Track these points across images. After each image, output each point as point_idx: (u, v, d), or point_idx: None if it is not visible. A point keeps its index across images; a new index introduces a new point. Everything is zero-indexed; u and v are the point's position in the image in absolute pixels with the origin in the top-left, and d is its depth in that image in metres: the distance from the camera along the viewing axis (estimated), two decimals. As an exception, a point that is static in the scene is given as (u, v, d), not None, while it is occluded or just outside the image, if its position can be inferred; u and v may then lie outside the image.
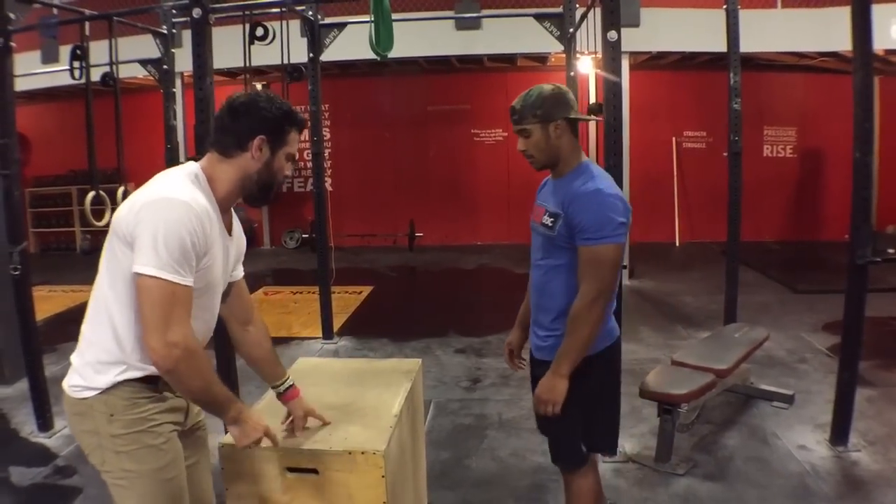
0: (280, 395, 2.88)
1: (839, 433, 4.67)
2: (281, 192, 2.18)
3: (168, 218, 2.16)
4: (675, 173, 13.19)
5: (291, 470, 2.84)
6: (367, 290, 10.01)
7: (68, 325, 8.57)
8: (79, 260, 14.09)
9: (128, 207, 2.26)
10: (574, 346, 2.91)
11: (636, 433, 4.95)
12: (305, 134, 12.29)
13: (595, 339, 2.96)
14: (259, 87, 12.70)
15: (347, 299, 9.31)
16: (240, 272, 2.77)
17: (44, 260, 13.71)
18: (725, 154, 6.61)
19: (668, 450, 4.48)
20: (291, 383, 2.88)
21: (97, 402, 2.38)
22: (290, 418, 2.89)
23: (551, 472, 4.45)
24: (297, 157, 2.55)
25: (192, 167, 2.41)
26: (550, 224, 3.04)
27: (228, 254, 2.54)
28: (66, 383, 2.48)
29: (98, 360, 2.40)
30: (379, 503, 2.80)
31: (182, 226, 2.17)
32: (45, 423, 5.40)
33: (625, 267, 4.41)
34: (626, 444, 4.75)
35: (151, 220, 2.16)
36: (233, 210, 2.59)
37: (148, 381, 2.38)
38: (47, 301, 9.63)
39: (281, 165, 2.45)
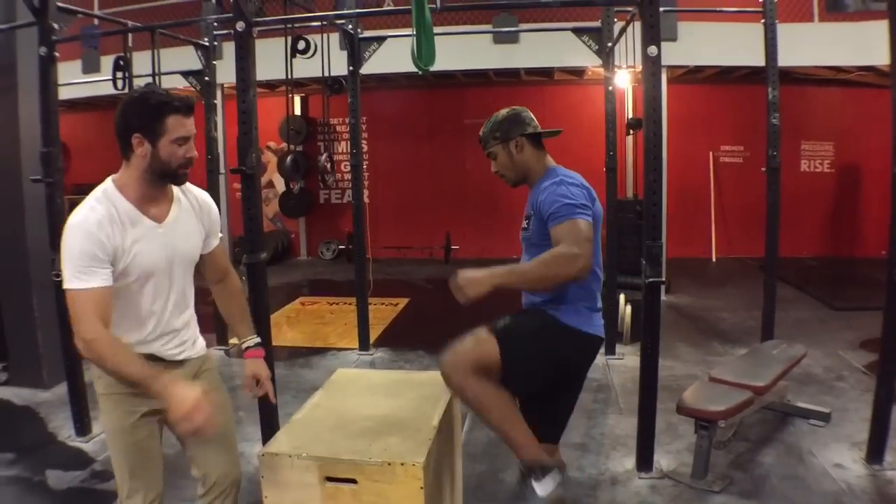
0: (242, 352, 3.15)
1: (875, 451, 4.61)
2: (186, 172, 2.48)
3: (64, 242, 2.56)
4: (711, 188, 13.10)
5: (330, 479, 2.86)
6: (403, 301, 10.02)
7: (107, 332, 8.70)
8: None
9: None
10: (523, 272, 3.01)
11: (672, 449, 4.92)
12: (344, 146, 12.41)
13: (543, 285, 3.05)
14: (298, 98, 12.80)
15: (384, 311, 9.33)
16: (211, 244, 3.04)
17: (83, 266, 13.77)
18: (763, 169, 6.56)
19: (704, 467, 4.45)
20: (253, 344, 3.12)
21: (93, 370, 2.81)
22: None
23: (586, 487, 4.46)
24: (189, 138, 2.68)
25: (105, 183, 2.75)
26: (525, 226, 3.24)
27: (167, 237, 2.77)
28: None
29: None
30: (417, 514, 2.82)
31: (78, 243, 2.53)
32: (82, 428, 5.45)
33: (664, 281, 4.40)
34: (663, 461, 4.73)
35: (61, 250, 2.57)
36: (185, 195, 2.90)
37: None
38: (86, 307, 9.70)
39: (170, 152, 2.63)
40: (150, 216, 2.73)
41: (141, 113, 2.60)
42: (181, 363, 2.95)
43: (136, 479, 2.91)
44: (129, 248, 2.64)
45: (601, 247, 3.37)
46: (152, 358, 2.79)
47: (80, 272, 2.52)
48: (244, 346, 3.13)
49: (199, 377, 3.02)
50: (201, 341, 3.10)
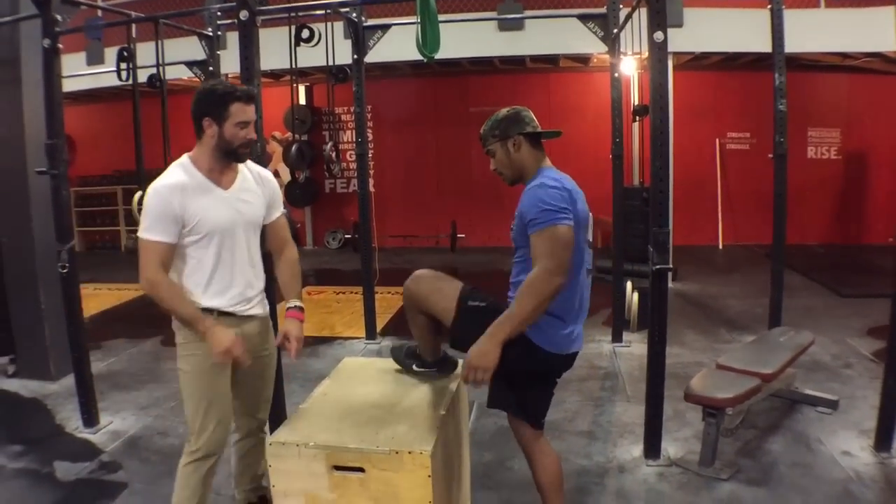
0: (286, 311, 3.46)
1: (883, 439, 4.59)
2: (246, 151, 3.15)
3: (145, 200, 3.16)
4: (718, 175, 13.06)
5: (338, 468, 2.87)
6: (409, 290, 9.95)
7: (114, 323, 8.75)
8: (123, 259, 14.29)
9: None
10: (516, 314, 2.98)
11: (680, 437, 4.91)
12: (350, 135, 12.39)
13: (539, 314, 3.01)
14: (302, 88, 12.78)
15: (390, 300, 9.30)
16: (273, 216, 3.50)
17: (89, 259, 13.88)
18: (770, 156, 6.53)
19: (712, 454, 4.45)
20: (294, 306, 3.44)
21: (175, 322, 3.34)
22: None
23: (594, 475, 4.46)
24: (249, 122, 3.20)
25: (182, 158, 3.28)
26: (512, 227, 3.25)
27: (232, 201, 3.27)
28: None
29: None
30: (425, 502, 2.81)
31: (154, 202, 3.11)
32: (90, 419, 5.47)
33: (671, 268, 4.38)
34: (670, 448, 4.72)
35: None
36: (248, 170, 3.41)
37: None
38: (93, 299, 9.77)
39: (232, 133, 3.16)
40: (217, 184, 3.25)
41: (210, 100, 3.15)
42: (250, 318, 3.43)
43: (208, 416, 3.32)
44: (197, 210, 3.15)
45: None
46: (223, 314, 3.29)
47: (151, 226, 3.10)
48: (287, 307, 3.43)
49: (264, 335, 3.54)
50: (266, 306, 3.58)
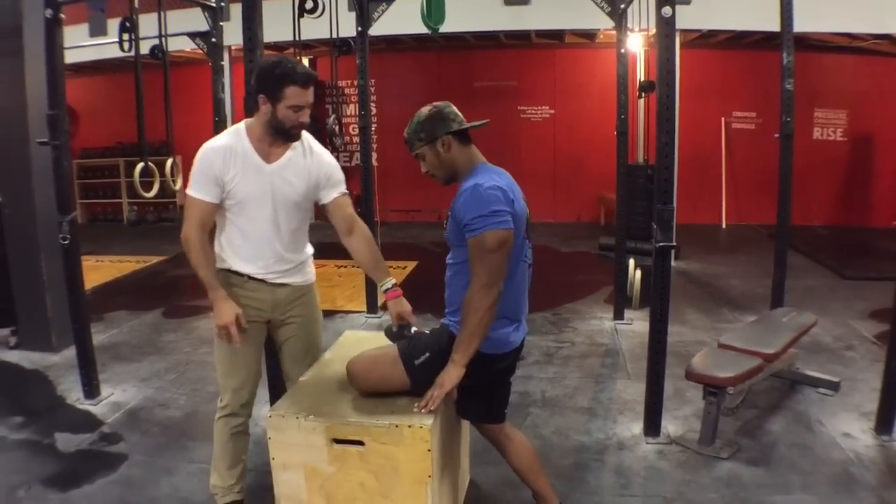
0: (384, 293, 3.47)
1: (884, 422, 4.58)
2: (298, 132, 3.29)
3: (197, 158, 3.28)
4: (723, 154, 13.01)
5: (338, 441, 2.87)
6: (411, 265, 10.02)
7: (115, 295, 8.76)
8: (125, 231, 14.32)
9: None
10: (466, 334, 2.95)
11: (680, 415, 4.91)
12: (353, 109, 12.35)
13: (487, 326, 2.98)
14: (306, 60, 12.74)
15: (392, 274, 9.26)
16: (330, 196, 3.48)
17: (91, 231, 13.86)
18: (776, 136, 6.49)
19: (712, 433, 4.44)
20: (389, 286, 3.44)
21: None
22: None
23: (593, 452, 4.46)
24: (303, 106, 3.23)
25: (239, 124, 3.39)
26: (444, 226, 3.21)
27: (271, 177, 3.33)
28: None
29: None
30: (424, 477, 2.82)
31: (200, 161, 3.27)
32: (91, 391, 5.47)
33: (674, 246, 4.36)
34: (670, 426, 4.72)
35: None
36: (303, 147, 3.44)
37: (233, 275, 3.44)
38: (95, 271, 9.76)
39: (285, 114, 3.20)
40: (263, 156, 3.32)
41: (267, 79, 3.19)
42: (282, 286, 3.51)
43: (229, 376, 3.53)
44: (234, 177, 3.27)
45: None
46: (253, 278, 3.44)
47: (196, 183, 3.26)
48: (382, 289, 3.46)
49: (298, 301, 3.61)
50: (308, 275, 3.69)
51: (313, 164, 3.44)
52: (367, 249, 3.52)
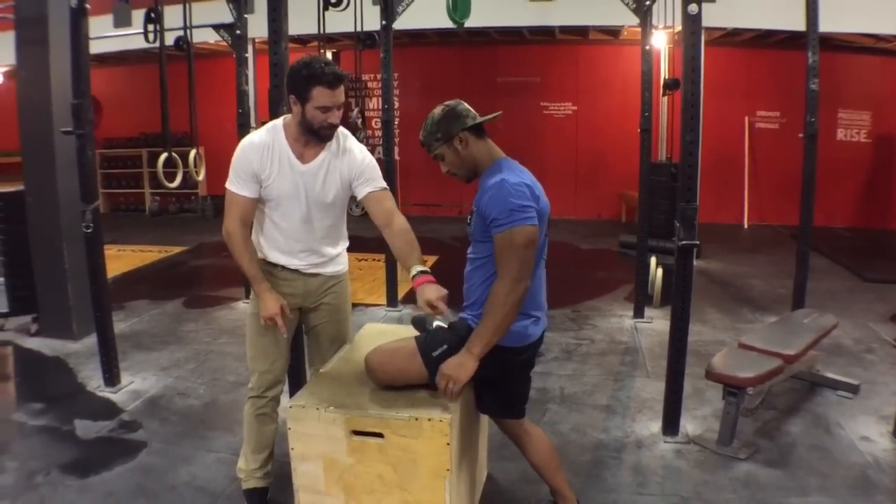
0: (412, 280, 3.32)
1: (903, 426, 4.56)
2: (328, 133, 3.29)
3: (235, 154, 3.35)
4: (746, 153, 12.92)
5: (357, 433, 2.87)
6: (431, 259, 9.92)
7: (137, 284, 8.81)
8: (147, 221, 14.40)
9: None
10: (488, 327, 2.95)
11: (699, 415, 4.89)
12: (376, 102, 12.35)
13: (511, 322, 2.99)
14: (329, 54, 12.75)
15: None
16: (364, 191, 3.46)
17: (113, 220, 13.95)
18: (801, 136, 6.45)
19: (730, 433, 4.42)
20: (417, 273, 3.24)
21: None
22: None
23: (611, 449, 4.45)
24: (331, 107, 3.21)
25: (277, 120, 3.44)
26: (468, 221, 3.22)
27: (305, 177, 3.37)
28: None
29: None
30: (443, 470, 2.82)
31: (238, 157, 3.34)
32: (111, 378, 5.51)
33: (697, 245, 4.33)
34: (689, 426, 4.70)
35: None
36: (338, 146, 3.43)
37: (268, 264, 3.55)
38: (117, 260, 9.82)
39: (313, 115, 3.20)
40: (298, 155, 3.37)
41: (296, 81, 3.20)
42: (314, 276, 3.60)
43: (256, 359, 3.60)
44: (269, 175, 3.34)
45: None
46: (285, 269, 3.54)
47: (235, 178, 3.35)
48: (411, 276, 3.30)
49: (331, 289, 3.68)
50: (340, 265, 3.73)
51: (345, 164, 3.44)
52: (403, 240, 3.39)
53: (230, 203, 3.37)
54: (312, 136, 3.30)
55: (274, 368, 3.61)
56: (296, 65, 3.24)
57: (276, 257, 3.54)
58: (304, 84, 3.17)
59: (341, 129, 3.45)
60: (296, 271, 3.56)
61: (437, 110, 3.23)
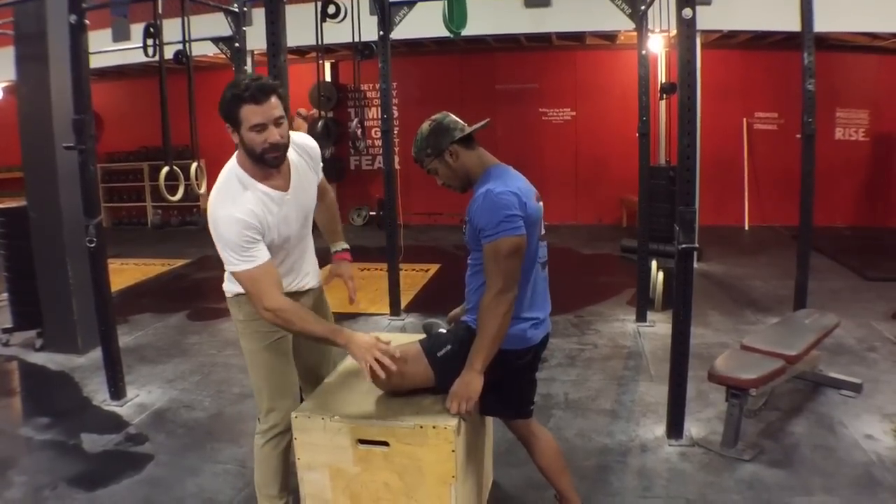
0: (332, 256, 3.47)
1: (907, 424, 4.57)
2: (275, 156, 2.88)
3: (220, 231, 2.89)
4: (745, 155, 12.93)
5: (363, 442, 2.89)
6: (434, 267, 10.04)
7: (140, 298, 8.83)
8: (149, 234, 14.43)
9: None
10: (484, 340, 2.98)
11: (703, 417, 4.90)
12: (375, 112, 12.39)
13: (505, 331, 3.02)
14: (328, 64, 12.78)
15: (414, 277, 9.36)
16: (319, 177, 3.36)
17: (116, 234, 13.97)
18: (798, 136, 6.47)
19: (734, 435, 4.43)
20: (339, 250, 3.50)
21: (233, 301, 3.28)
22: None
23: (616, 454, 4.46)
24: (265, 124, 2.84)
25: (231, 165, 3.03)
26: (463, 230, 3.22)
27: (296, 199, 3.13)
28: (224, 287, 3.32)
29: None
30: (448, 477, 2.83)
31: (230, 232, 2.86)
32: (117, 392, 5.53)
33: (697, 248, 4.35)
34: (693, 428, 4.71)
35: (216, 239, 2.92)
36: (293, 155, 3.13)
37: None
38: (120, 274, 9.85)
39: (251, 139, 2.85)
40: (278, 188, 3.04)
41: (223, 107, 2.87)
42: (303, 292, 3.39)
43: (275, 394, 3.28)
44: (273, 221, 3.01)
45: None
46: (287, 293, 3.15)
47: (245, 255, 2.89)
48: (333, 250, 3.43)
49: (315, 303, 3.48)
50: (316, 272, 3.52)
51: (308, 157, 3.27)
52: (329, 214, 3.57)
53: (255, 281, 2.91)
54: (262, 165, 2.93)
55: (293, 394, 3.34)
56: (226, 90, 2.89)
57: None
58: (230, 107, 2.83)
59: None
60: (291, 293, 3.24)
61: (425, 126, 3.25)
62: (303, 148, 3.24)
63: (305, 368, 3.53)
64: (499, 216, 2.93)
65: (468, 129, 3.24)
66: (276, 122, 2.87)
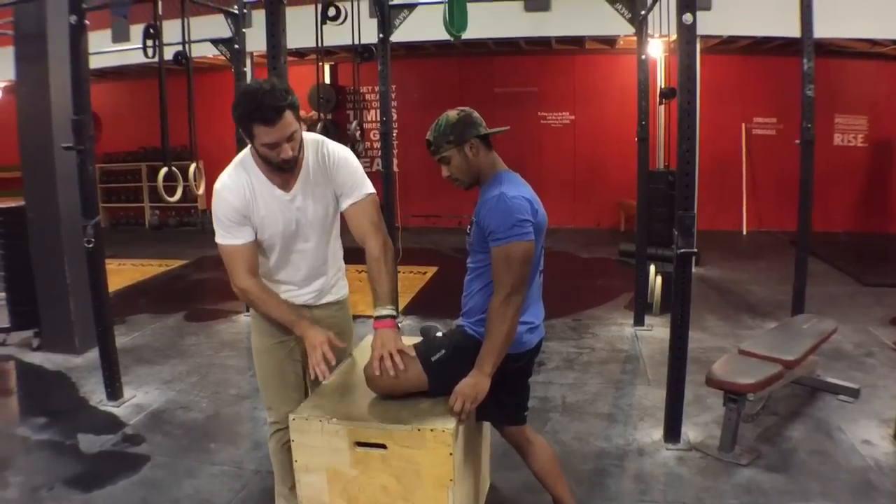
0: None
1: (904, 429, 4.57)
2: (288, 166, 2.87)
3: (212, 204, 3.01)
4: (743, 160, 12.94)
5: (360, 444, 2.88)
6: (431, 270, 10.03)
7: (138, 298, 8.82)
8: (147, 235, 14.43)
9: None
10: (494, 343, 2.99)
11: (700, 422, 4.90)
12: (374, 114, 12.39)
13: (514, 335, 3.04)
14: (327, 67, 12.75)
15: (412, 279, 9.36)
16: (344, 204, 3.16)
17: (113, 234, 13.98)
18: (797, 142, 6.47)
19: (732, 439, 4.44)
20: (377, 315, 3.08)
21: None
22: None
23: (613, 458, 4.46)
24: (278, 143, 2.81)
25: (246, 151, 3.05)
26: (468, 231, 3.24)
27: (294, 203, 3.08)
28: None
29: None
30: (446, 480, 2.83)
31: (219, 205, 2.99)
32: (114, 392, 5.52)
33: (695, 252, 4.35)
34: (690, 433, 4.71)
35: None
36: (316, 159, 3.09)
37: None
38: (117, 274, 9.82)
39: (264, 153, 2.86)
40: (278, 185, 3.04)
41: (236, 117, 2.82)
42: (318, 307, 3.36)
43: (270, 394, 3.39)
44: (257, 216, 3.04)
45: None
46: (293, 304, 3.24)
47: (223, 230, 3.02)
48: (373, 315, 3.11)
49: (332, 317, 3.41)
50: (341, 289, 3.53)
51: (330, 174, 3.12)
52: (373, 268, 3.15)
53: (229, 257, 3.04)
54: (276, 170, 2.95)
55: (289, 398, 3.32)
56: (236, 95, 2.88)
57: (283, 295, 3.24)
58: (242, 121, 2.80)
59: (314, 137, 3.15)
60: (304, 305, 3.29)
61: (453, 113, 3.22)
62: (328, 157, 3.12)
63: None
64: (511, 220, 2.95)
65: (490, 130, 3.24)
66: (289, 139, 2.83)
